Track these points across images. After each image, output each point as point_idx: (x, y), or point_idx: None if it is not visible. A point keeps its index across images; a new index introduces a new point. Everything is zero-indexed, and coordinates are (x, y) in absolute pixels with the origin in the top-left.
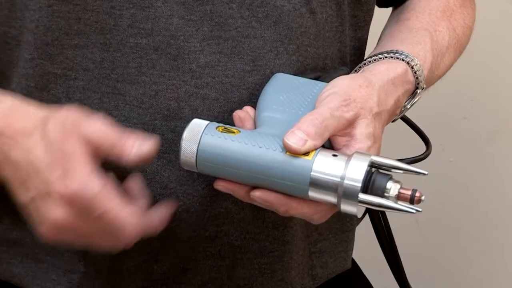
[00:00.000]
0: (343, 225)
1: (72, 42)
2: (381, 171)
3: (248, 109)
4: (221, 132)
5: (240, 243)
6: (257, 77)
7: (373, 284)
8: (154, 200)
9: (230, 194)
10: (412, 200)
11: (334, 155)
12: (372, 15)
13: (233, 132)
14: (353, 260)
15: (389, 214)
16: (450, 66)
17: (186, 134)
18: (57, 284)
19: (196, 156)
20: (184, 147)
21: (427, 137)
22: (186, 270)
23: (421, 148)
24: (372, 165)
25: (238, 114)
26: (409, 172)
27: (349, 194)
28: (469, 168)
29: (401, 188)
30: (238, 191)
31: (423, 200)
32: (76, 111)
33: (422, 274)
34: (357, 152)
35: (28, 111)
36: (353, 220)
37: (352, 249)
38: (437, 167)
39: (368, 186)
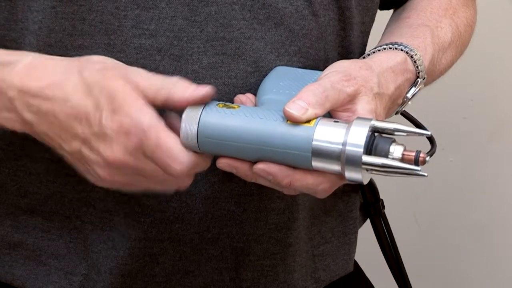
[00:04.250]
0: (345, 227)
1: (75, 43)
2: (383, 135)
3: (249, 95)
4: (221, 108)
5: (243, 245)
6: (258, 79)
7: (375, 286)
8: (157, 201)
9: (232, 196)
10: (416, 161)
11: (336, 121)
12: (374, 19)
13: (234, 107)
14: (355, 262)
15: (389, 215)
16: (452, 62)
17: (185, 114)
18: (58, 286)
19: (197, 134)
20: (184, 127)
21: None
22: (188, 272)
23: (425, 147)
24: (374, 130)
25: (239, 98)
26: (412, 134)
27: (352, 160)
28: (469, 168)
29: (404, 150)
30: (241, 167)
31: (427, 161)
32: (108, 59)
33: (421, 273)
34: (358, 117)
35: (52, 64)
36: (355, 222)
37: (354, 252)
38: (437, 167)
39: (371, 150)
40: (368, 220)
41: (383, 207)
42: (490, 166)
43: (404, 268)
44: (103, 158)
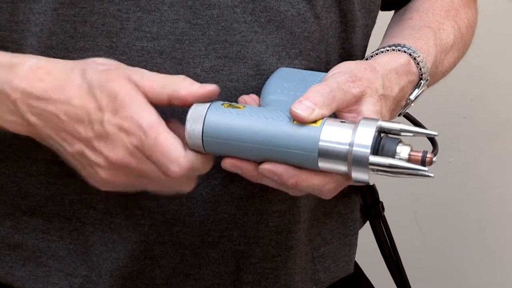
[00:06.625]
0: (346, 229)
1: (77, 45)
2: (390, 135)
3: (253, 96)
4: (227, 107)
5: (244, 248)
6: (260, 82)
7: (376, 287)
8: (157, 204)
9: (233, 199)
10: (423, 162)
11: (342, 122)
12: (375, 21)
13: (239, 107)
14: (355, 263)
15: (389, 215)
16: (454, 64)
17: (190, 114)
18: None
19: (202, 134)
20: (188, 127)
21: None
22: (189, 275)
23: (426, 148)
24: (381, 130)
25: (244, 98)
26: (418, 135)
27: (359, 161)
28: (469, 168)
29: (411, 150)
30: (246, 168)
31: (434, 162)
32: (111, 61)
33: (422, 274)
34: (364, 118)
35: (56, 67)
36: (356, 224)
37: (354, 253)
38: (437, 167)
39: (378, 151)
40: (368, 221)
41: (383, 209)
42: (490, 166)
43: (404, 271)
44: (105, 159)
